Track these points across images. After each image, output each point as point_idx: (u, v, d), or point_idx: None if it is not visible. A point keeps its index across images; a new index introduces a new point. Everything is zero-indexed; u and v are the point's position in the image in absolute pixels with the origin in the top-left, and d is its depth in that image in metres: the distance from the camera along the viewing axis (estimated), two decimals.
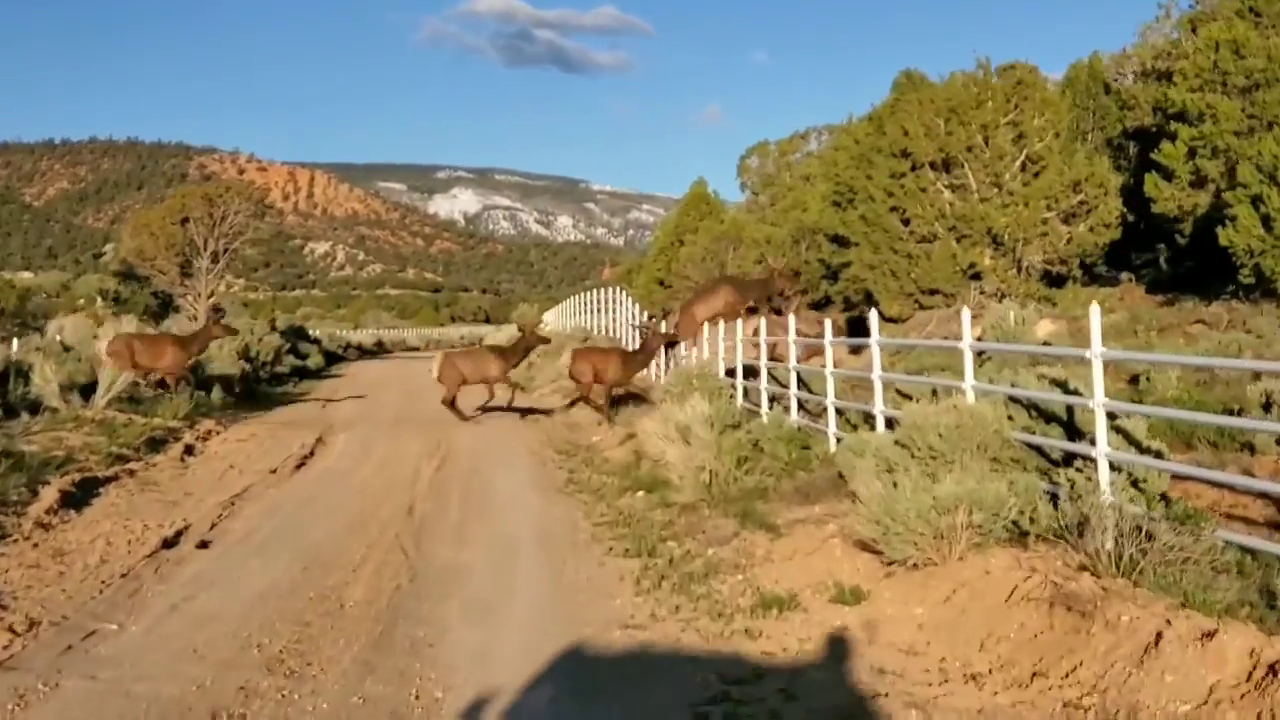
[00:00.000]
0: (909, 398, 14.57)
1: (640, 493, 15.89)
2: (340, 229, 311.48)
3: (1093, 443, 9.52)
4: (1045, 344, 17.78)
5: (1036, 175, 22.61)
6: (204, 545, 12.35)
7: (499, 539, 12.85)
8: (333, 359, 61.59)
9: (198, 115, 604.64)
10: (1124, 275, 24.01)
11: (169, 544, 12.24)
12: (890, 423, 13.54)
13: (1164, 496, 9.33)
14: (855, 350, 21.80)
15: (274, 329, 56.21)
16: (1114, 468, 9.33)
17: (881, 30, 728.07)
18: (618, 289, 41.22)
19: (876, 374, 14.24)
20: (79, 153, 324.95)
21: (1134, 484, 9.29)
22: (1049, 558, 8.78)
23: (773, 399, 18.89)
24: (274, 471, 17.74)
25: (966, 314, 12.24)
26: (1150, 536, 8.09)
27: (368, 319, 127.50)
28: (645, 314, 34.46)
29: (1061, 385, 11.28)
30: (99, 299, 56.19)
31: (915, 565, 9.14)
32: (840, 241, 32.28)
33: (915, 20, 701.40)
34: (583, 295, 49.05)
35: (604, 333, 41.69)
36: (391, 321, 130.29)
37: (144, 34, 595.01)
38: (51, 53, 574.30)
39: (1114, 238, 22.81)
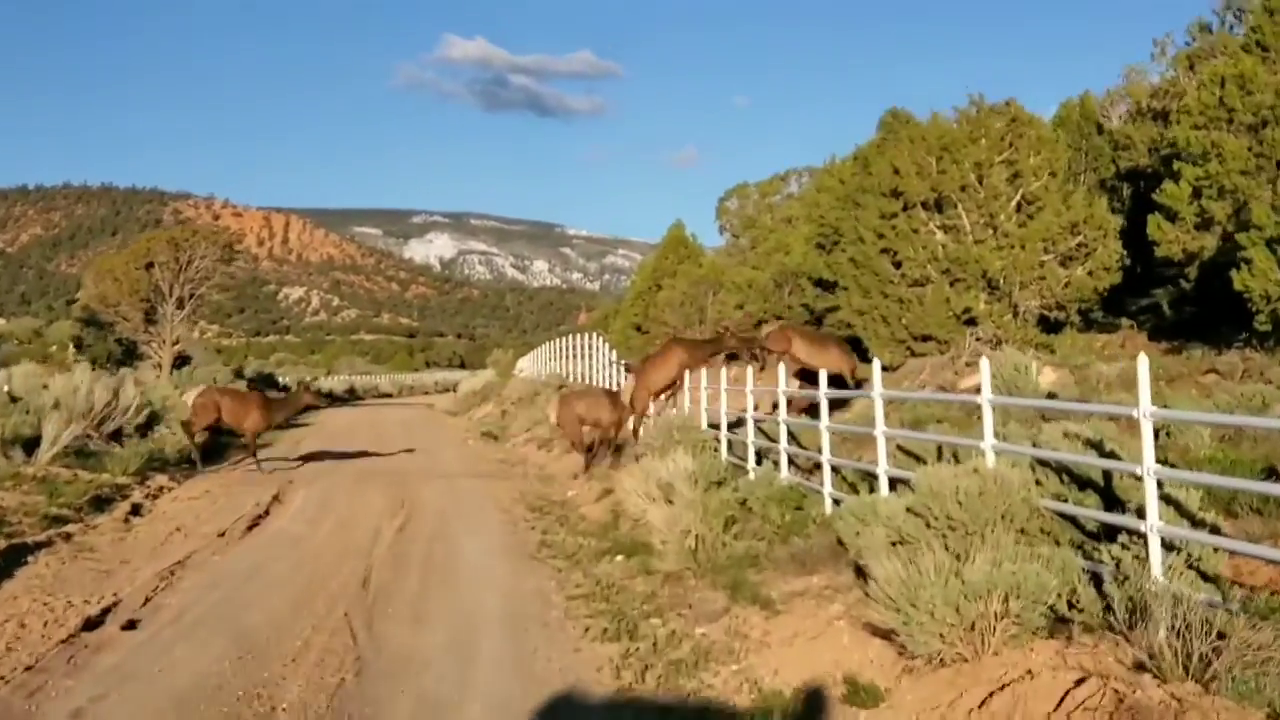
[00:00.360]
0: (914, 455, 13.27)
1: (619, 557, 14.57)
2: (315, 274, 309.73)
3: (1140, 514, 8.23)
4: (1051, 395, 16.56)
5: (1032, 216, 21.47)
6: (131, 626, 10.92)
7: (462, 617, 11.46)
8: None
9: (172, 161, 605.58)
10: (1124, 321, 22.82)
11: (91, 625, 10.82)
12: (892, 484, 12.28)
13: (1210, 576, 8.09)
14: (838, 405, 20.71)
15: (241, 376, 54.88)
16: (1166, 545, 8.05)
17: (861, 72, 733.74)
18: (594, 335, 40.00)
19: (880, 430, 12.96)
20: (53, 198, 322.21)
21: (1189, 564, 8.02)
22: (1098, 653, 7.45)
23: (760, 454, 17.60)
24: (223, 535, 16.29)
25: (986, 365, 10.96)
26: (1222, 634, 6.81)
27: (341, 364, 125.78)
28: (621, 360, 33.27)
29: (1095, 446, 10.00)
30: (71, 346, 54.71)
31: (942, 660, 7.82)
32: (825, 285, 31.11)
33: (896, 61, 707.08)
34: (558, 341, 47.76)
35: (580, 379, 40.40)
36: (365, 367, 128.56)
37: (120, 79, 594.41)
38: (25, 97, 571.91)
39: (1114, 282, 21.65)
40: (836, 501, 13.37)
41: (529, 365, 55.98)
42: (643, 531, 15.38)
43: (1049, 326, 22.26)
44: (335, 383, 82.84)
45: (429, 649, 10.13)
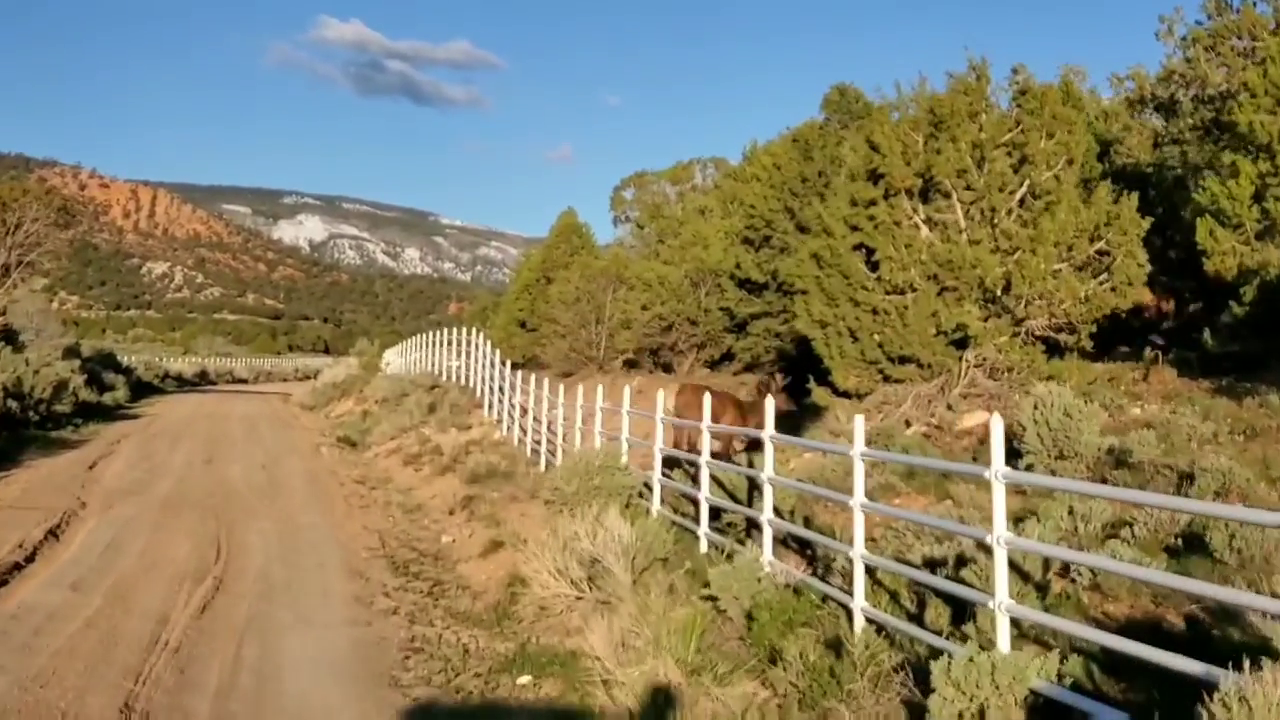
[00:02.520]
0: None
1: (527, 678, 9.43)
2: (181, 250, 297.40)
3: None
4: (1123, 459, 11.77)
5: (1043, 213, 16.71)
6: None
7: None
8: (145, 391, 53.49)
9: (39, 126, 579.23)
10: (1146, 350, 18.10)
11: None
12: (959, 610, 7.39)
13: None
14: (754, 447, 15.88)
15: (76, 355, 48.28)
16: None
17: (728, 70, 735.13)
18: (473, 329, 34.65)
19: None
20: None
21: None
22: None
23: (716, 512, 12.61)
24: None
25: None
26: None
27: (199, 344, 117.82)
28: (504, 360, 28.10)
29: None
30: None
31: None
32: (751, 287, 26.25)
33: (770, 58, 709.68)
34: (431, 334, 42.19)
35: (455, 379, 34.95)
36: (225, 348, 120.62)
37: None
38: None
39: (1140, 300, 17.10)
40: (880, 630, 8.30)
41: (396, 359, 50.25)
42: (557, 628, 10.36)
43: (1051, 350, 17.56)
44: (186, 365, 75.64)
45: None
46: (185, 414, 38.92)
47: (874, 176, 17.68)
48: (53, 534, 14.82)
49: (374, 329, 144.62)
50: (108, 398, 39.73)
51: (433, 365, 39.56)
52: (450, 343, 37.86)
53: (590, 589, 10.64)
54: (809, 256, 18.66)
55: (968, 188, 17.04)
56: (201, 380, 71.95)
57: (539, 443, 21.78)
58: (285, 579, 13.11)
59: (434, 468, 22.90)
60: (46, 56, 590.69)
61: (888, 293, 17.22)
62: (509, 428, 25.10)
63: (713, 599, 9.75)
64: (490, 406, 28.15)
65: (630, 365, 32.49)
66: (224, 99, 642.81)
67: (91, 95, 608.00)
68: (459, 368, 34.98)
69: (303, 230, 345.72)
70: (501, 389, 27.78)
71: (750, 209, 26.57)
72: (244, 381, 79.11)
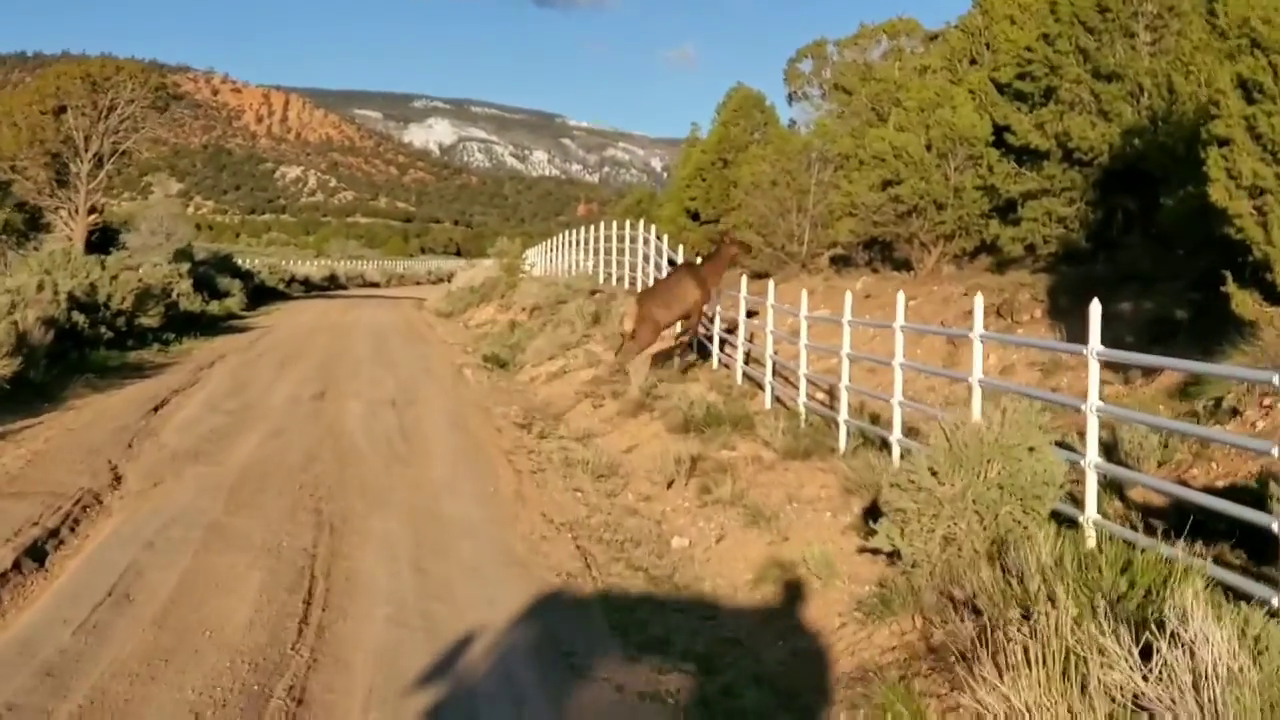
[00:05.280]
0: None
1: None
2: (313, 154, 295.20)
3: None
4: None
5: None
6: None
7: None
8: (268, 297, 47.90)
9: (171, 31, 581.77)
10: None
11: None
12: None
13: None
14: None
15: (188, 258, 42.57)
16: None
17: None
18: (630, 224, 27.95)
19: None
20: (49, 64, 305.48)
21: None
22: None
23: None
24: None
25: None
26: None
27: (333, 248, 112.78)
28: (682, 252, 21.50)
29: None
30: None
31: None
32: (1025, 156, 19.12)
33: None
34: (582, 230, 35.53)
35: (621, 282, 28.34)
36: (358, 251, 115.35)
37: None
38: None
39: None
40: None
41: (538, 259, 43.81)
42: None
43: None
44: (315, 268, 69.92)
45: None
46: (304, 325, 32.72)
47: None
48: (32, 555, 8.52)
49: (505, 230, 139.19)
50: (217, 307, 33.80)
51: (586, 264, 33.03)
52: (605, 240, 31.26)
53: None
54: (1230, 84, 11.39)
55: None
56: (331, 284, 66.08)
57: (748, 364, 15.20)
58: (427, 667, 6.54)
59: (621, 405, 16.34)
60: None
61: None
62: (703, 342, 18.72)
63: None
64: None
65: (840, 263, 25.49)
66: (353, 3, 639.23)
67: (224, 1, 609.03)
68: (622, 268, 28.40)
69: (432, 134, 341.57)
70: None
71: (1025, 52, 19.22)
72: (375, 285, 73.23)
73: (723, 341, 18.83)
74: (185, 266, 36.96)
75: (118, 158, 36.21)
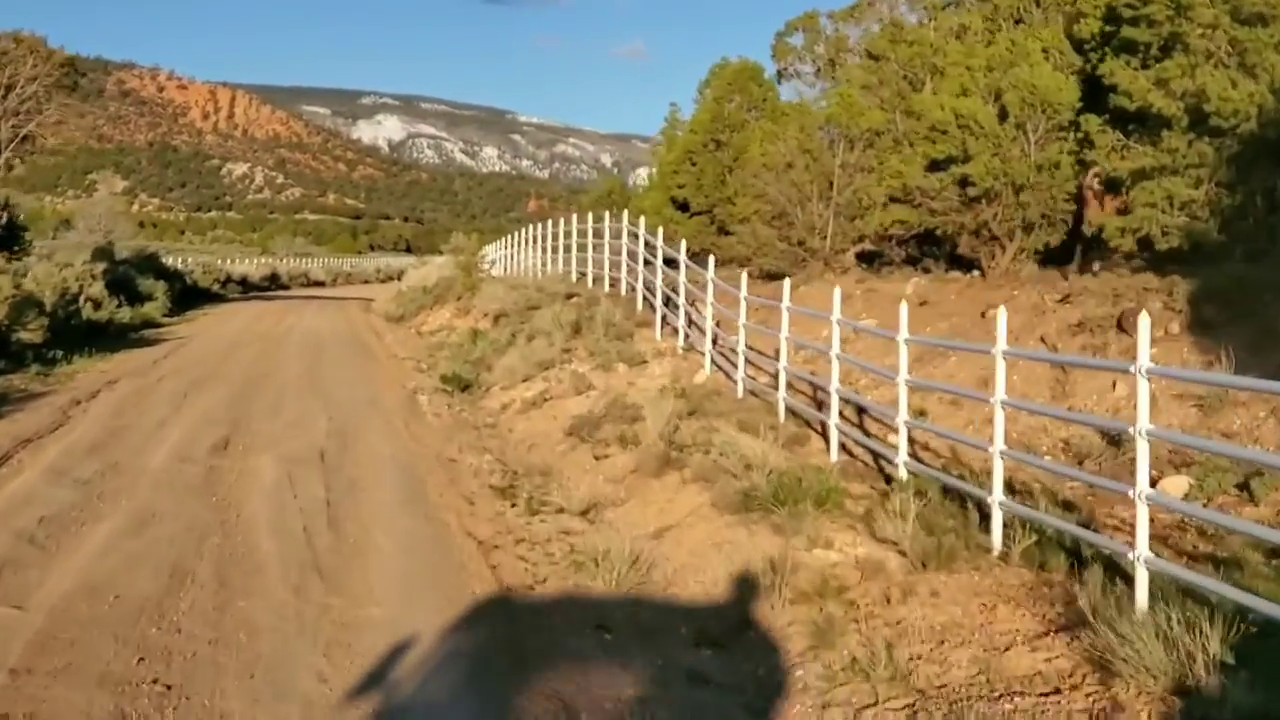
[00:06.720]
0: None
1: None
2: (260, 151, 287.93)
3: None
4: None
5: None
6: None
7: None
8: (199, 299, 42.81)
9: (116, 28, 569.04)
10: None
11: None
12: None
13: None
14: None
15: (108, 256, 37.56)
16: None
17: None
18: (625, 216, 23.34)
19: None
20: None
21: None
22: None
23: None
24: None
25: None
26: None
27: (279, 245, 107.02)
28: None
29: None
30: None
31: None
32: (1139, 123, 14.85)
33: None
34: (548, 225, 30.73)
35: (595, 283, 23.68)
36: (305, 248, 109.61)
37: None
38: None
39: None
40: None
41: (498, 256, 39.10)
42: None
43: None
44: (254, 267, 64.22)
45: None
46: (228, 335, 27.63)
47: None
48: None
49: (455, 226, 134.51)
50: (131, 314, 28.76)
51: (556, 265, 28.35)
52: (575, 235, 26.62)
53: None
54: None
55: None
56: (271, 284, 60.24)
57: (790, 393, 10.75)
58: None
59: (637, 457, 11.72)
60: None
61: None
62: (715, 360, 14.47)
63: None
64: (668, 325, 17.51)
65: (868, 261, 21.05)
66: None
67: None
68: (600, 264, 23.80)
69: (381, 130, 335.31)
70: (690, 300, 16.97)
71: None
72: (320, 284, 67.65)
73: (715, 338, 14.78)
74: (101, 267, 31.98)
75: (18, 144, 31.09)
